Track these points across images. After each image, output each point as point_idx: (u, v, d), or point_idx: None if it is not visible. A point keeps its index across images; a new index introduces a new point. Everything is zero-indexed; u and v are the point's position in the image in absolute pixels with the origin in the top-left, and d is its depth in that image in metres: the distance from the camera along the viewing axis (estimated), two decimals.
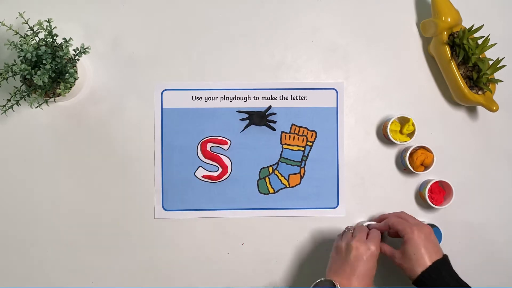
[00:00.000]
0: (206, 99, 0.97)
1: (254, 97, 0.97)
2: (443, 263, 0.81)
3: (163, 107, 0.97)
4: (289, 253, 0.97)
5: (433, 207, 0.94)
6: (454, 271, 0.81)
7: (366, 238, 0.84)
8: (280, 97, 0.97)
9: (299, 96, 0.97)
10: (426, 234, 0.82)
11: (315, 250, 0.97)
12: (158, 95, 0.97)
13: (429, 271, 0.79)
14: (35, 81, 0.82)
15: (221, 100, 0.97)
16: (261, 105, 0.97)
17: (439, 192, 0.95)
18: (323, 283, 0.81)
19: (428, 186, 0.93)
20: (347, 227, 0.89)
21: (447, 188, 0.95)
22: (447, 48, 0.93)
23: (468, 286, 0.80)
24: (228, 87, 0.97)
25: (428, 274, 0.79)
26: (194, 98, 0.97)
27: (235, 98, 0.97)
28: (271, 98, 0.97)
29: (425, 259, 0.80)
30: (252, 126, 0.97)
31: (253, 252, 0.97)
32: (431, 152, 0.94)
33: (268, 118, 0.97)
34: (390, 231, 0.89)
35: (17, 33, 0.86)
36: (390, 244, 0.86)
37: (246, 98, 0.97)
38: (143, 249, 0.96)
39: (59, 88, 0.86)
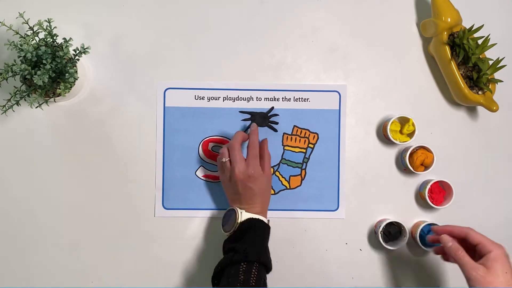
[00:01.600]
0: (209, 99, 0.97)
1: (256, 97, 0.97)
2: None
3: (166, 105, 0.97)
4: (289, 253, 0.97)
5: (433, 207, 0.94)
6: None
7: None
8: (282, 98, 0.97)
9: (301, 98, 0.97)
10: (509, 257, 0.75)
11: (314, 251, 0.97)
12: (161, 94, 0.97)
13: None
14: (35, 81, 0.82)
15: (223, 100, 0.97)
16: (263, 106, 0.97)
17: (439, 192, 0.95)
18: (228, 213, 0.89)
19: (428, 186, 0.93)
20: (221, 152, 0.91)
21: (447, 188, 0.95)
22: (447, 48, 0.93)
23: None
24: (231, 87, 0.97)
25: None
26: (196, 98, 0.97)
27: (238, 98, 0.97)
28: (274, 99, 0.97)
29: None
30: None
31: None
32: (431, 152, 0.94)
33: (270, 119, 0.97)
34: (441, 251, 0.84)
35: (17, 33, 0.86)
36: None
37: (249, 99, 0.97)
38: (143, 248, 0.96)
39: (59, 88, 0.86)
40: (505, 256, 0.74)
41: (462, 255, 0.76)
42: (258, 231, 0.85)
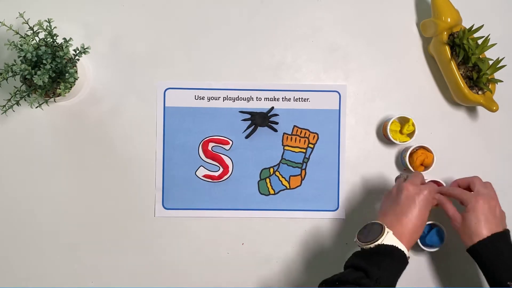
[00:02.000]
0: (209, 99, 0.97)
1: (256, 97, 0.97)
2: (502, 236, 0.80)
3: (166, 105, 0.97)
4: (289, 253, 0.97)
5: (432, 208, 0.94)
6: None
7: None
8: (282, 98, 0.97)
9: (301, 98, 0.97)
10: (490, 207, 0.81)
11: (314, 251, 0.97)
12: (161, 94, 0.97)
13: (485, 241, 0.79)
14: (35, 81, 0.82)
15: (223, 100, 0.97)
16: (263, 106, 0.97)
17: None
18: (370, 226, 0.78)
19: None
20: (401, 174, 0.88)
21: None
22: (447, 48, 0.93)
23: None
24: (231, 87, 0.97)
25: (483, 244, 0.79)
26: (196, 98, 0.97)
27: (238, 98, 0.97)
28: (274, 99, 0.97)
29: (483, 230, 0.79)
30: (254, 127, 0.97)
31: (253, 252, 0.97)
32: (431, 152, 0.94)
33: (270, 119, 0.97)
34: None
35: (17, 33, 0.86)
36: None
37: (249, 99, 0.97)
38: (143, 248, 0.96)
39: (59, 88, 0.86)
40: (480, 206, 0.81)
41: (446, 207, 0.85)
42: (397, 263, 0.75)
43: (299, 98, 0.97)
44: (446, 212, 0.85)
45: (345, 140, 0.97)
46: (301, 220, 0.97)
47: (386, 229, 0.75)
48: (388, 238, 0.74)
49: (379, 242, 0.74)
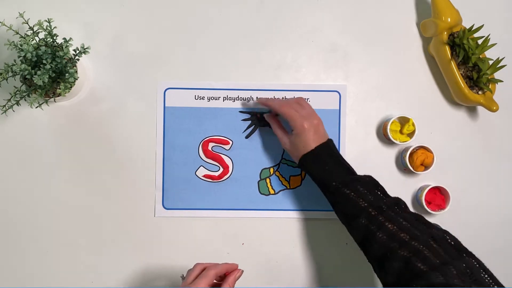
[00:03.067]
0: (209, 99, 0.97)
1: (257, 97, 0.97)
2: (324, 146, 0.85)
3: (166, 105, 0.97)
4: (289, 253, 0.97)
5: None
6: (335, 152, 0.86)
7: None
8: (282, 98, 0.97)
9: None
10: (315, 127, 0.86)
11: (314, 251, 0.97)
12: (161, 94, 0.97)
13: (309, 154, 0.85)
14: (35, 81, 0.82)
15: (223, 100, 0.97)
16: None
17: (437, 195, 0.95)
18: None
19: (424, 193, 0.93)
20: (182, 274, 0.80)
21: (445, 192, 0.94)
22: (447, 48, 0.93)
23: (350, 167, 0.85)
24: (231, 87, 0.97)
25: (307, 156, 0.85)
26: (197, 98, 0.97)
27: (238, 98, 0.97)
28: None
29: (310, 147, 0.85)
30: (253, 127, 0.97)
31: (253, 252, 0.97)
32: (431, 152, 0.94)
33: None
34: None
35: (17, 33, 0.86)
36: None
37: (249, 99, 0.97)
38: (143, 248, 0.96)
39: (59, 88, 0.86)
40: (306, 130, 0.86)
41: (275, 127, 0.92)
42: None
43: None
44: (276, 134, 0.91)
45: (345, 140, 0.97)
46: (301, 220, 0.97)
47: None
48: None
49: None
